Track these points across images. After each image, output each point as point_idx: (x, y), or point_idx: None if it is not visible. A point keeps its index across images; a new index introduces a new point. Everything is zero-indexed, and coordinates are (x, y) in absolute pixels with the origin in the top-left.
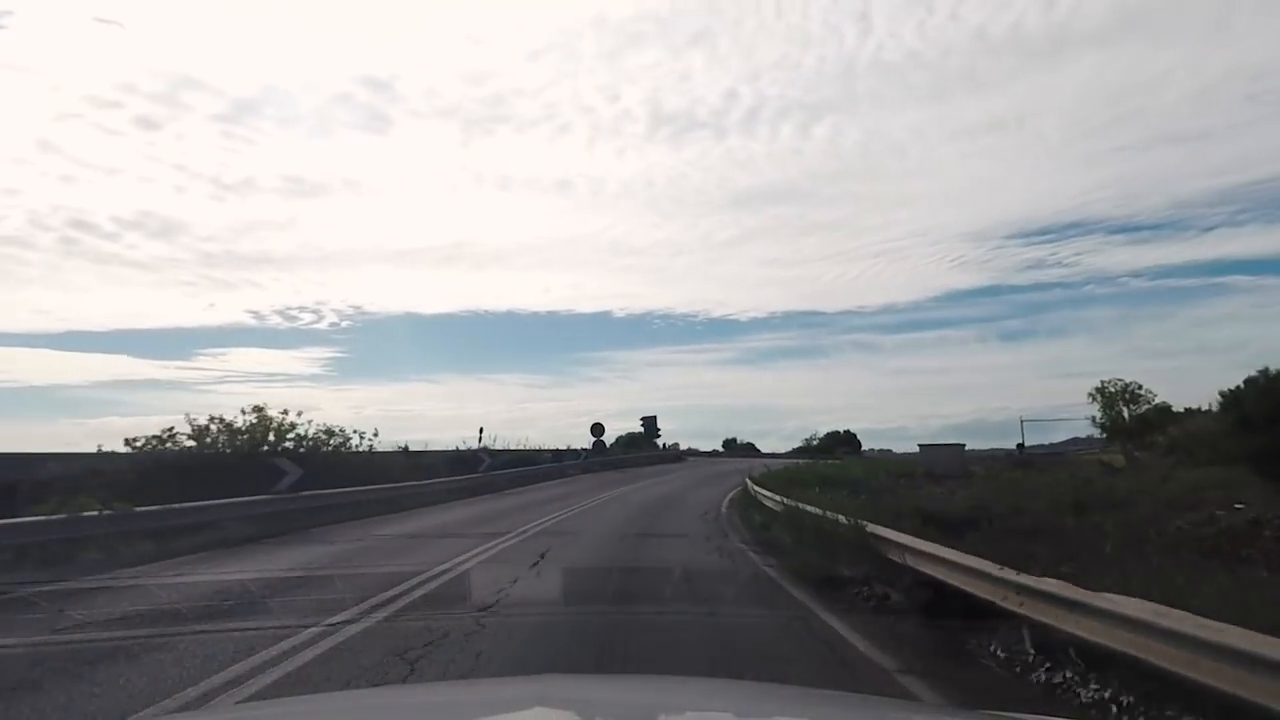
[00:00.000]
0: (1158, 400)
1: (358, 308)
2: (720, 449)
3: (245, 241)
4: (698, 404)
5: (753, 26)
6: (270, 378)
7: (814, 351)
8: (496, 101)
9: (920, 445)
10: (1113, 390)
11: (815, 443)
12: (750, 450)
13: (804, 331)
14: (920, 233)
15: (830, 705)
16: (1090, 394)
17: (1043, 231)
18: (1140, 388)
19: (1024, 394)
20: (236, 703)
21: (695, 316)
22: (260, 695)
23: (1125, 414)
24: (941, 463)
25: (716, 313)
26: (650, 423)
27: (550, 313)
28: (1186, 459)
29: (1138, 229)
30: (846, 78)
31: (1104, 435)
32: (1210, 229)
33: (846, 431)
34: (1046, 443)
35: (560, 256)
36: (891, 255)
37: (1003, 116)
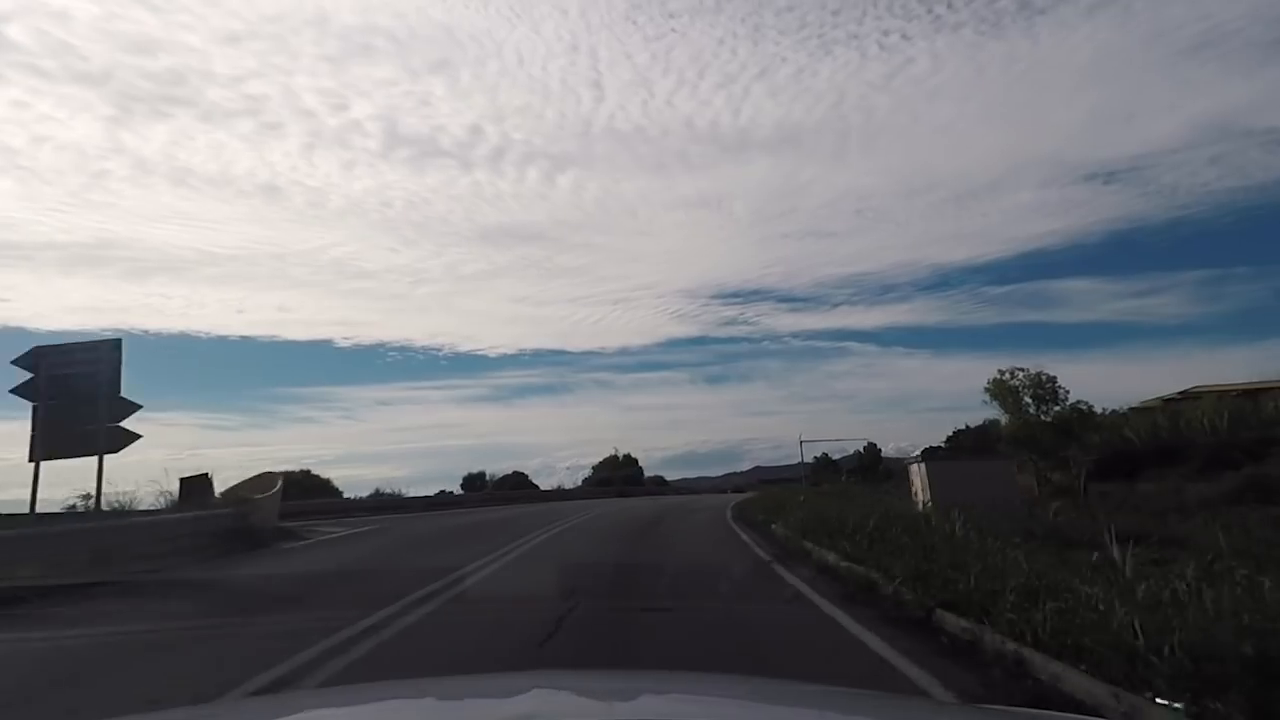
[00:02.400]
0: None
1: None
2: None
3: None
4: (436, 445)
5: (495, 69)
6: None
7: (560, 389)
8: (175, 80)
9: None
10: (1016, 384)
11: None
12: (521, 484)
13: (551, 369)
14: (648, 286)
15: (828, 701)
16: (987, 388)
17: (735, 294)
18: (1055, 380)
19: (722, 429)
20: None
21: (439, 350)
22: None
23: (1035, 413)
24: None
25: (464, 347)
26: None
27: (246, 338)
28: None
29: (795, 300)
30: (585, 137)
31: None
32: (838, 305)
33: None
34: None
35: (263, 272)
36: (626, 303)
37: (708, 195)
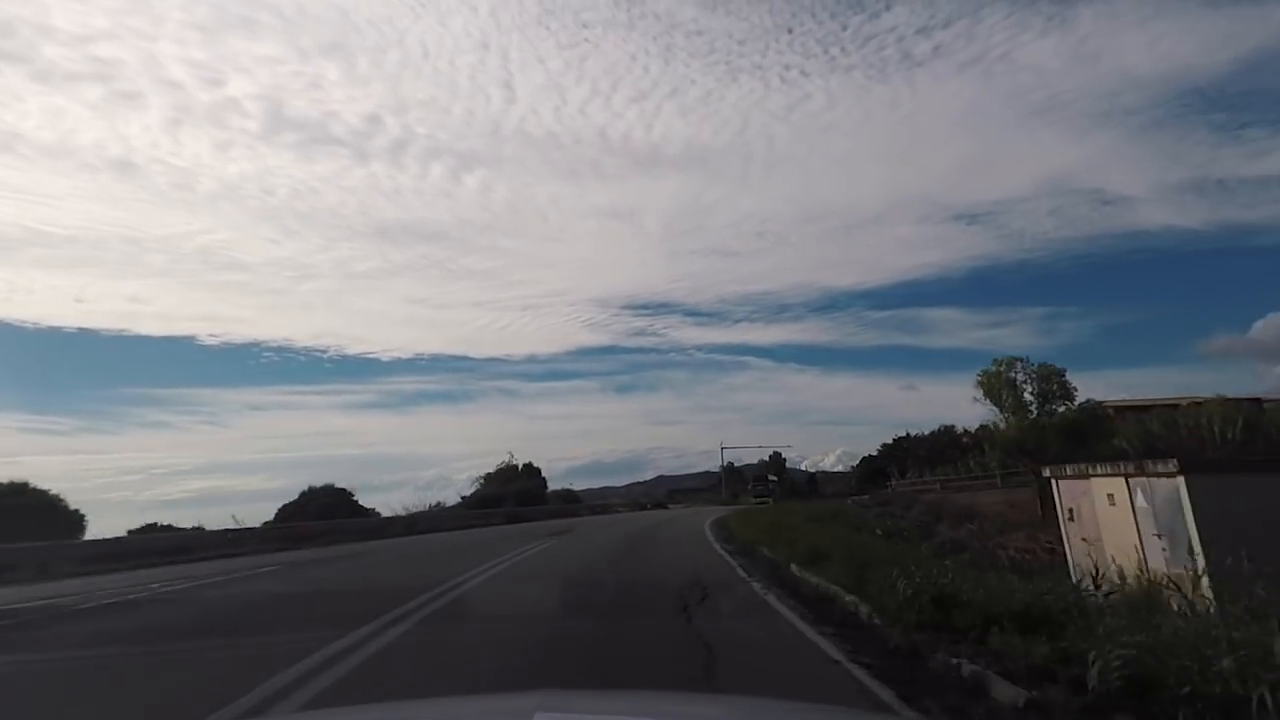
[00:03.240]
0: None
1: None
2: None
3: None
4: (317, 454)
5: (397, 59)
6: None
7: (460, 396)
8: (3, 31)
9: None
10: (1016, 377)
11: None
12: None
13: (452, 375)
14: (559, 293)
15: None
16: (980, 382)
17: (645, 306)
18: (1064, 374)
19: (628, 438)
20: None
21: (324, 352)
22: None
23: (1039, 413)
24: None
25: (353, 350)
26: None
27: (86, 331)
28: None
29: (700, 314)
30: (495, 137)
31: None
32: (738, 321)
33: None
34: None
35: (112, 258)
36: (536, 309)
37: (620, 207)
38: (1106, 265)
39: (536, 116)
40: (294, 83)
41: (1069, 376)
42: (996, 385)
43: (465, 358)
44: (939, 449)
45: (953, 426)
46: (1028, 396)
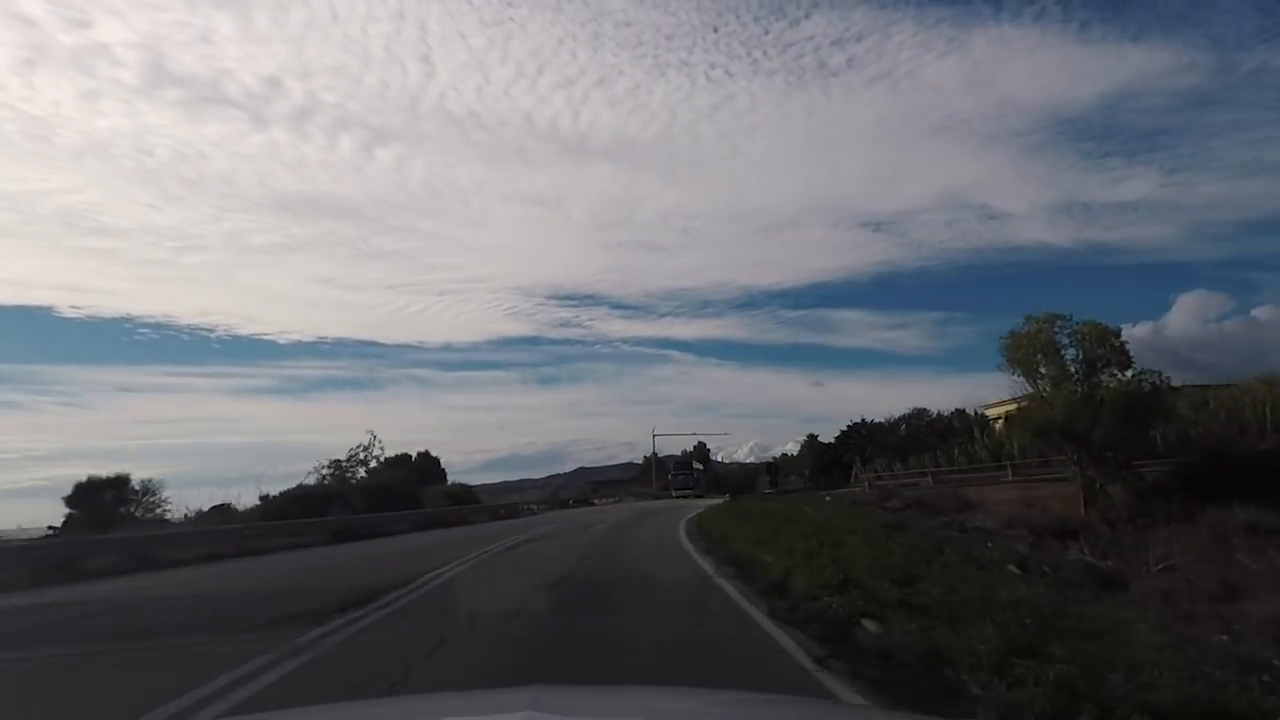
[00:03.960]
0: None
1: None
2: None
3: None
4: (198, 442)
5: (301, 20)
6: None
7: (368, 384)
8: None
9: None
10: (1059, 336)
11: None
12: None
13: (360, 361)
14: (480, 279)
15: (823, 715)
16: (1006, 341)
17: (571, 297)
18: (1120, 334)
19: (549, 430)
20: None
21: (211, 331)
22: None
23: (1084, 386)
24: None
25: (245, 330)
26: None
27: None
28: None
29: (626, 307)
30: (412, 113)
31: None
32: (664, 315)
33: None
34: None
35: None
36: (454, 295)
37: (546, 194)
38: (990, 275)
39: (458, 94)
40: (179, 34)
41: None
42: (1029, 350)
43: (375, 343)
44: (913, 436)
45: (925, 409)
46: (1072, 366)
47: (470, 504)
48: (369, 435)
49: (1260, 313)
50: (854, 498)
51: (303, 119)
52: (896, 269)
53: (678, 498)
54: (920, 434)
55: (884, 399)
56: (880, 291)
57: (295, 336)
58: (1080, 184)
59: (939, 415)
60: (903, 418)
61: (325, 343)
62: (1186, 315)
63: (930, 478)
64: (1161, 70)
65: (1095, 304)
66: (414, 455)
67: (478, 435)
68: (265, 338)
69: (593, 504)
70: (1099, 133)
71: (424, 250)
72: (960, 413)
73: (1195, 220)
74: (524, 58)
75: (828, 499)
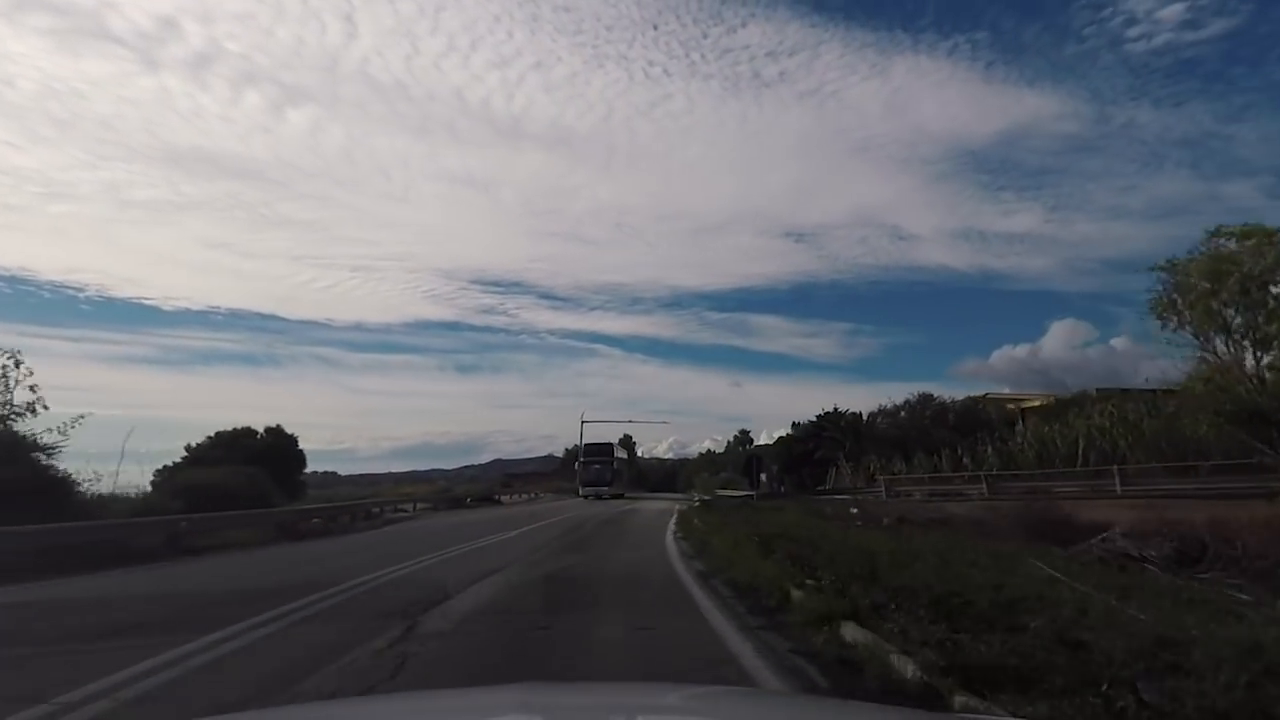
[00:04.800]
0: None
1: None
2: None
3: None
4: (56, 413)
5: None
6: None
7: (265, 360)
8: None
9: None
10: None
11: None
12: None
13: (256, 336)
14: (399, 258)
15: (814, 711)
16: (1163, 269)
17: (497, 283)
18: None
19: (465, 420)
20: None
21: (80, 291)
22: None
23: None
24: None
25: (122, 292)
26: None
27: None
28: None
29: (555, 298)
30: (331, 74)
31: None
32: (593, 309)
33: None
34: None
35: None
36: (369, 273)
37: (476, 176)
38: (895, 292)
39: (383, 60)
40: None
41: None
42: (1206, 284)
43: (276, 317)
44: (920, 427)
45: (931, 395)
46: (1273, 299)
47: (310, 506)
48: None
49: (1117, 342)
50: (866, 510)
51: (201, 67)
52: (814, 280)
53: (586, 497)
54: (926, 426)
55: (795, 403)
56: (798, 300)
57: (182, 304)
58: (977, 213)
59: (951, 402)
60: (908, 403)
61: (217, 313)
62: (1057, 340)
63: (985, 485)
64: (1051, 115)
65: (982, 323)
66: (260, 431)
67: (387, 421)
68: (147, 302)
69: (499, 501)
70: (996, 167)
71: (336, 221)
72: (973, 401)
73: (1070, 255)
74: (456, 31)
75: (855, 514)
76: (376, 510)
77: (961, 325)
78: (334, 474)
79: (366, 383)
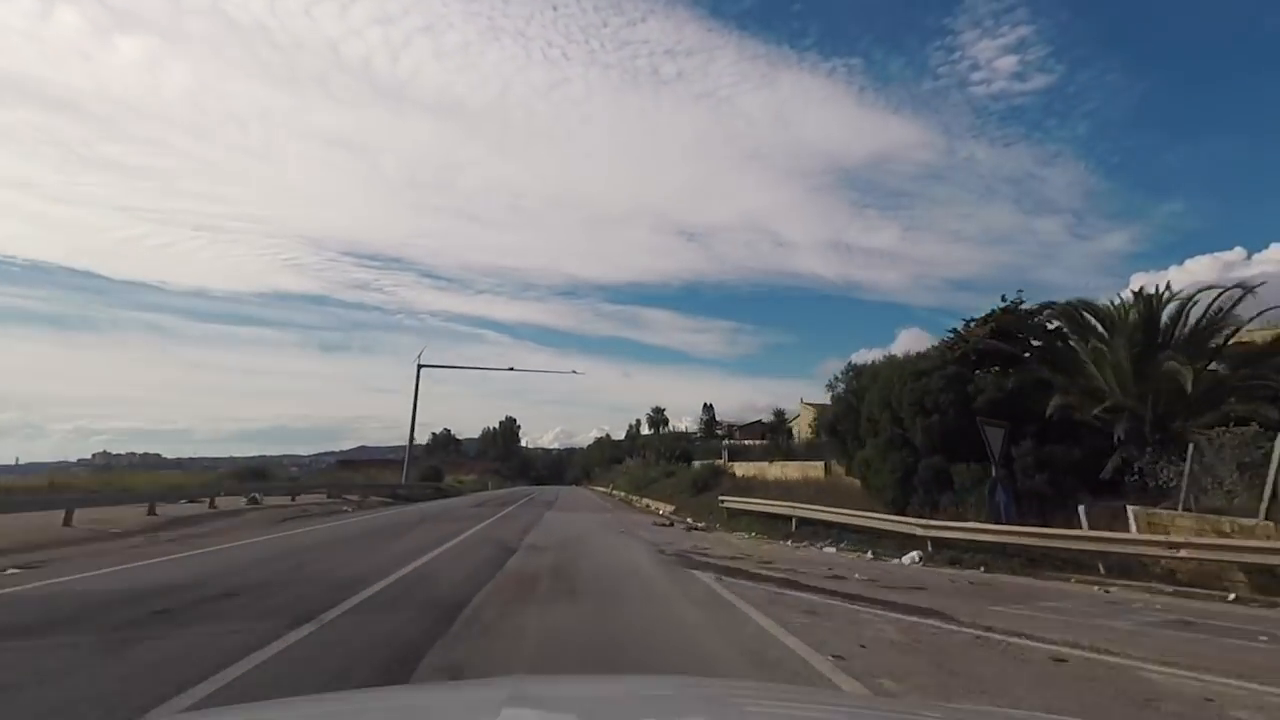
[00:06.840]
0: None
1: None
2: None
3: None
4: None
5: None
6: None
7: (78, 323)
8: None
9: None
10: None
11: None
12: None
13: (68, 294)
14: (255, 219)
15: (810, 702)
16: None
17: (373, 257)
18: None
19: (328, 403)
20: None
21: None
22: None
23: None
24: None
25: None
26: None
27: None
28: None
29: (438, 278)
30: (175, 4)
31: None
32: (481, 292)
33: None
34: None
35: None
36: (217, 233)
37: (351, 138)
38: (773, 295)
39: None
40: None
41: None
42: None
43: (94, 275)
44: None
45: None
46: None
47: None
48: None
49: None
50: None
51: None
52: (701, 278)
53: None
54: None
55: (679, 395)
56: (687, 296)
57: None
58: (845, 228)
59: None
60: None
61: (14, 263)
62: (903, 347)
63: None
64: (910, 143)
65: (844, 327)
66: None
67: (231, 401)
68: None
69: (256, 501)
70: (864, 186)
71: (177, 172)
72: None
73: (918, 271)
74: None
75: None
76: None
77: (827, 329)
78: (157, 455)
79: (207, 355)
